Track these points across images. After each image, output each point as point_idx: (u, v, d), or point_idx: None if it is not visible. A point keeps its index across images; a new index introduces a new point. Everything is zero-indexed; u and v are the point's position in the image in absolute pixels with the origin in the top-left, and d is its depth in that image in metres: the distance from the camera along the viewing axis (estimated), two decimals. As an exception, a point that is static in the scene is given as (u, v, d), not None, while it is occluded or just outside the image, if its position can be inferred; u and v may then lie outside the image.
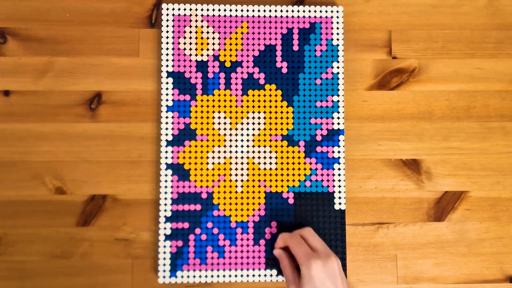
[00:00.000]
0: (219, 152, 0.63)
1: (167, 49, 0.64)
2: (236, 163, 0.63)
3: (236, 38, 0.64)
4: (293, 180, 0.63)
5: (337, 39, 0.65)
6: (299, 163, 0.63)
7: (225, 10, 0.64)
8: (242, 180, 0.63)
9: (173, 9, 0.64)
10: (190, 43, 0.64)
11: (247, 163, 0.63)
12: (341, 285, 0.54)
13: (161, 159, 0.62)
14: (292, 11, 0.65)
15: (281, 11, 0.65)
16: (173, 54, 0.64)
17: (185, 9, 0.64)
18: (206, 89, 0.64)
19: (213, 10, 0.64)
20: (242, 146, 0.63)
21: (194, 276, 0.61)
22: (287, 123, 0.64)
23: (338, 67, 0.65)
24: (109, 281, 0.62)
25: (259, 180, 0.63)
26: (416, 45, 0.67)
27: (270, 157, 0.63)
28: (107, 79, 0.64)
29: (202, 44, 0.64)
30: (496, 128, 0.66)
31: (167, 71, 0.63)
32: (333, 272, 0.55)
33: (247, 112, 0.64)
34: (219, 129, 0.63)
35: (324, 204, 0.63)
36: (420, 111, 0.66)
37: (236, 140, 0.63)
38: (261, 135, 0.63)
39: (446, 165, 0.66)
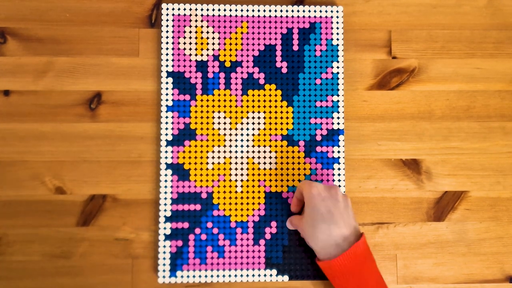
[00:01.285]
0: (219, 152, 0.63)
1: (167, 49, 0.64)
2: (236, 163, 0.63)
3: (236, 38, 0.64)
4: (293, 180, 0.63)
5: (337, 39, 0.65)
6: (299, 163, 0.63)
7: (225, 10, 0.64)
8: (242, 180, 0.63)
9: (173, 9, 0.64)
10: (190, 43, 0.64)
11: (247, 163, 0.63)
12: (341, 207, 0.56)
13: (161, 159, 0.62)
14: (292, 11, 0.65)
15: (281, 11, 0.65)
16: (173, 54, 0.64)
17: (185, 9, 0.64)
18: (206, 89, 0.64)
19: (213, 10, 0.64)
20: (242, 146, 0.63)
21: (194, 276, 0.61)
22: (287, 123, 0.64)
23: (338, 67, 0.65)
24: (109, 281, 0.62)
25: (259, 180, 0.63)
26: (416, 45, 0.67)
27: (270, 157, 0.63)
28: (107, 79, 0.64)
29: (202, 44, 0.64)
30: (496, 128, 0.66)
31: (167, 71, 0.63)
32: (335, 195, 0.56)
33: (247, 112, 0.64)
34: (219, 129, 0.63)
35: (324, 204, 0.63)
36: (420, 111, 0.66)
37: (236, 140, 0.63)
38: (261, 135, 0.63)
39: (446, 165, 0.66)
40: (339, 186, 0.63)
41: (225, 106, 0.64)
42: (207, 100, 0.64)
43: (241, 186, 0.63)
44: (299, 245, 0.62)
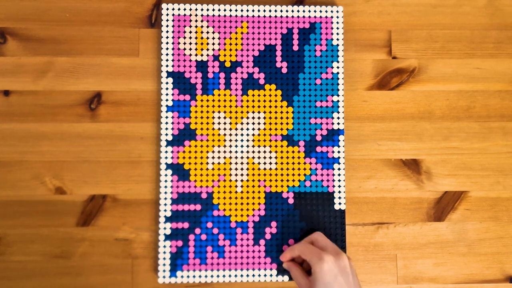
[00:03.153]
0: (219, 152, 0.63)
1: (167, 49, 0.64)
2: (236, 163, 0.63)
3: (236, 38, 0.64)
4: (293, 180, 0.63)
5: (337, 39, 0.65)
6: (299, 163, 0.63)
7: (225, 10, 0.64)
8: (242, 180, 0.63)
9: (173, 9, 0.64)
10: (190, 43, 0.64)
11: (247, 163, 0.63)
12: (352, 283, 0.54)
13: (161, 159, 0.62)
14: (292, 11, 0.65)
15: (281, 11, 0.65)
16: (173, 54, 0.64)
17: (185, 9, 0.64)
18: (206, 89, 0.64)
19: (213, 10, 0.64)
20: (242, 146, 0.63)
21: (194, 276, 0.61)
22: (287, 123, 0.64)
23: (338, 67, 0.65)
24: (109, 281, 0.62)
25: (259, 180, 0.63)
26: (416, 45, 0.67)
27: (270, 157, 0.63)
28: (107, 79, 0.64)
29: (202, 44, 0.64)
30: (496, 128, 0.66)
31: (167, 71, 0.63)
32: (345, 268, 0.55)
33: (247, 112, 0.64)
34: (219, 129, 0.63)
35: (324, 204, 0.63)
36: (420, 111, 0.66)
37: (236, 140, 0.63)
38: (261, 135, 0.63)
39: (446, 165, 0.66)
40: (339, 188, 0.63)
41: (225, 106, 0.64)
42: (207, 100, 0.64)
43: (241, 186, 0.63)
44: (299, 245, 0.62)
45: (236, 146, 0.63)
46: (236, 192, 0.63)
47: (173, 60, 0.64)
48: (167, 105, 0.63)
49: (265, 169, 0.63)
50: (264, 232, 0.62)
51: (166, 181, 0.62)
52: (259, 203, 0.63)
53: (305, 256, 0.56)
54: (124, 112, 0.64)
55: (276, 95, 0.64)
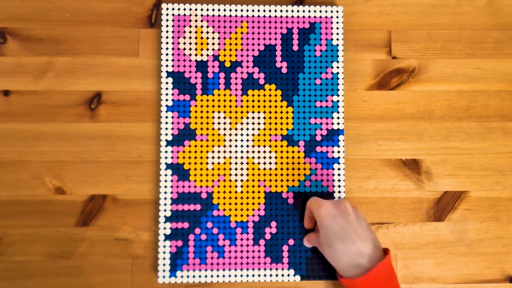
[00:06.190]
0: (219, 152, 0.63)
1: (167, 49, 0.64)
2: (236, 163, 0.63)
3: (236, 38, 0.64)
4: (293, 180, 0.63)
5: (337, 39, 0.65)
6: (299, 163, 0.63)
7: (225, 10, 0.64)
8: (242, 180, 0.63)
9: (173, 9, 0.64)
10: (190, 43, 0.64)
11: (247, 163, 0.63)
12: (353, 222, 0.55)
13: (161, 159, 0.62)
14: (292, 11, 0.65)
15: (281, 11, 0.65)
16: (173, 54, 0.64)
17: (185, 9, 0.64)
18: (206, 89, 0.64)
19: (213, 10, 0.64)
20: (242, 146, 0.63)
21: (194, 276, 0.61)
22: (287, 123, 0.64)
23: (338, 67, 0.65)
24: (109, 281, 0.62)
25: (259, 180, 0.63)
26: (416, 45, 0.67)
27: (270, 157, 0.63)
28: (107, 79, 0.64)
29: (202, 44, 0.64)
30: (496, 128, 0.66)
31: (167, 71, 0.63)
32: (344, 210, 0.56)
33: (247, 112, 0.64)
34: (219, 129, 0.63)
35: (324, 204, 0.63)
36: (420, 111, 0.66)
37: (236, 140, 0.63)
38: (261, 135, 0.63)
39: (446, 165, 0.66)
40: (339, 188, 0.63)
41: (225, 106, 0.64)
42: (207, 100, 0.64)
43: (241, 186, 0.63)
44: (299, 244, 0.62)
45: (236, 146, 0.63)
46: (236, 192, 0.63)
47: (173, 60, 0.64)
48: (167, 105, 0.63)
49: (265, 169, 0.63)
50: (264, 232, 0.62)
51: (166, 181, 0.62)
52: (259, 203, 0.63)
53: (310, 208, 0.59)
54: (124, 112, 0.64)
55: (276, 95, 0.64)
